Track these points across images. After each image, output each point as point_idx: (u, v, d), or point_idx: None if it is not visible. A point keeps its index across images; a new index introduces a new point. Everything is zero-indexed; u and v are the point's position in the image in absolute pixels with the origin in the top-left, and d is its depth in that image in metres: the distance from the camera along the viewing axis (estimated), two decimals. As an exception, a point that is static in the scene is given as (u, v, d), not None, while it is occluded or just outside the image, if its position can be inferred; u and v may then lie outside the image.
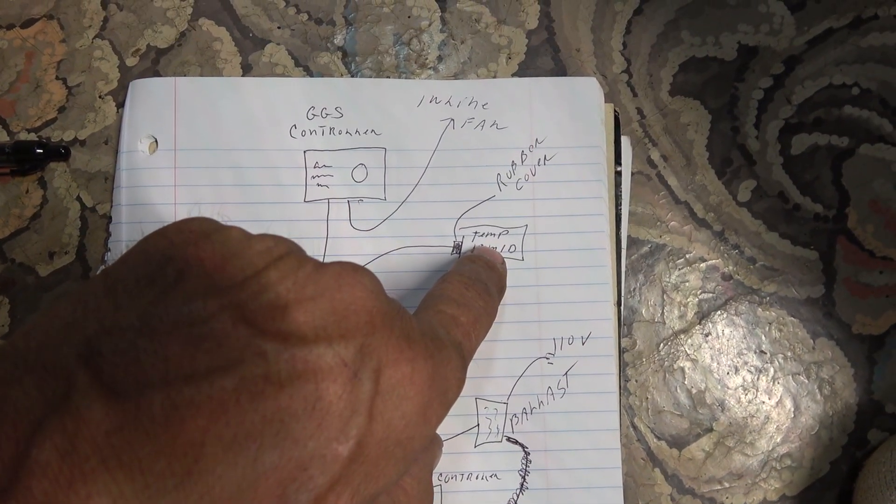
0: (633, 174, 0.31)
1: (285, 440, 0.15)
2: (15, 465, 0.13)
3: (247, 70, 0.31)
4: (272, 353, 0.16)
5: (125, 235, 0.29)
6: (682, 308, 0.30)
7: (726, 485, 0.29)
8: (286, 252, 0.18)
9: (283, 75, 0.31)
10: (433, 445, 0.24)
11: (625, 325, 0.30)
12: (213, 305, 0.16)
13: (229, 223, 0.18)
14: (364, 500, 0.17)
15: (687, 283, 0.30)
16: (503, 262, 0.28)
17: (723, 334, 0.30)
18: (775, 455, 0.29)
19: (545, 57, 0.31)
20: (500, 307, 0.29)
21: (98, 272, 0.30)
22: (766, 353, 0.30)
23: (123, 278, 0.17)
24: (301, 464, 0.15)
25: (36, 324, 0.16)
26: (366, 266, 0.29)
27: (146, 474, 0.14)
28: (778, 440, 0.29)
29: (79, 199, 0.30)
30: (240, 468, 0.15)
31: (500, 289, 0.27)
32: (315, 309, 0.17)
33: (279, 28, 0.32)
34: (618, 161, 0.30)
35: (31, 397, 0.14)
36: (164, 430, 0.14)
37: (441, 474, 0.28)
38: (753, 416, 0.29)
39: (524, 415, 0.28)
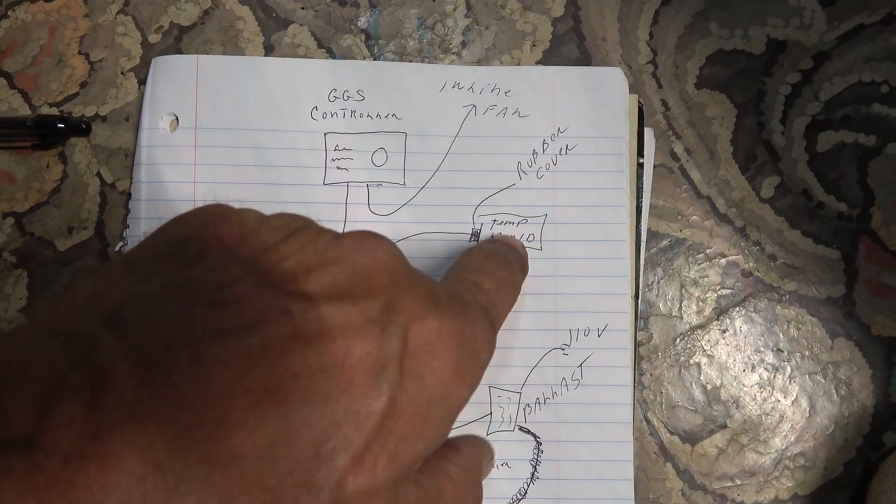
0: (655, 167, 0.30)
1: (317, 396, 0.15)
2: (41, 418, 0.13)
3: (269, 50, 0.31)
4: (298, 311, 0.16)
5: (144, 213, 0.29)
6: (700, 303, 0.30)
7: (738, 482, 0.29)
8: (304, 224, 0.18)
9: (305, 56, 0.31)
10: (481, 445, 0.24)
11: (641, 318, 0.30)
12: (235, 272, 0.16)
13: (244, 206, 0.19)
14: (403, 465, 0.17)
15: (706, 279, 0.30)
16: (523, 246, 0.28)
17: (740, 331, 0.30)
18: (789, 454, 0.29)
19: (570, 45, 0.31)
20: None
21: (115, 249, 0.30)
22: (783, 352, 0.29)
23: (143, 257, 0.17)
24: (335, 420, 0.15)
25: (57, 298, 0.16)
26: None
27: (175, 426, 0.14)
28: (792, 439, 0.29)
29: (99, 174, 0.30)
30: (271, 424, 0.14)
31: (522, 266, 0.27)
32: (338, 272, 0.17)
33: (303, 9, 0.31)
34: (640, 153, 0.30)
35: (55, 358, 0.14)
36: (191, 385, 0.14)
37: (452, 461, 0.28)
38: (768, 415, 0.29)
39: (537, 405, 0.28)
